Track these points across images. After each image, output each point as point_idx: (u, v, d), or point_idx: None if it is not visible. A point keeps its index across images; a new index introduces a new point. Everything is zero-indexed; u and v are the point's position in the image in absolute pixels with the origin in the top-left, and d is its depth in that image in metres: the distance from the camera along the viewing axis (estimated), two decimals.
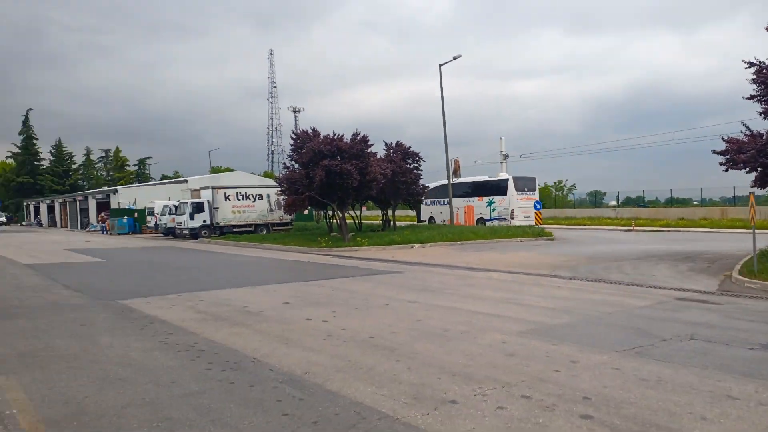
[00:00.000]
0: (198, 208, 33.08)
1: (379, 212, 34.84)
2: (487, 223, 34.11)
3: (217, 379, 5.29)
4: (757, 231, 13.27)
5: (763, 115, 13.56)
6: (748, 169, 13.56)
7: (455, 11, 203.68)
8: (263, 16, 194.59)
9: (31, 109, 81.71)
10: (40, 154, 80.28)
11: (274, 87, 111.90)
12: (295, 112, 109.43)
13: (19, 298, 10.35)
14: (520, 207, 33.83)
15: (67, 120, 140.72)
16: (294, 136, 26.66)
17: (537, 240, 26.33)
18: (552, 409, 4.41)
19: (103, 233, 42.63)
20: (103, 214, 46.73)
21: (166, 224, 35.65)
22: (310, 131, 26.06)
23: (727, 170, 14.16)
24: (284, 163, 29.58)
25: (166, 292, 11.16)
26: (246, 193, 34.56)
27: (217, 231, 32.96)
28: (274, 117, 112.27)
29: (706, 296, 10.16)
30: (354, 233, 27.87)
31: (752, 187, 13.81)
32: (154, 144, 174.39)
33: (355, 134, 25.11)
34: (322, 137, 24.90)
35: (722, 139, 14.31)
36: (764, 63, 13.10)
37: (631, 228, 33.93)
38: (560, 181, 69.05)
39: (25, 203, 73.78)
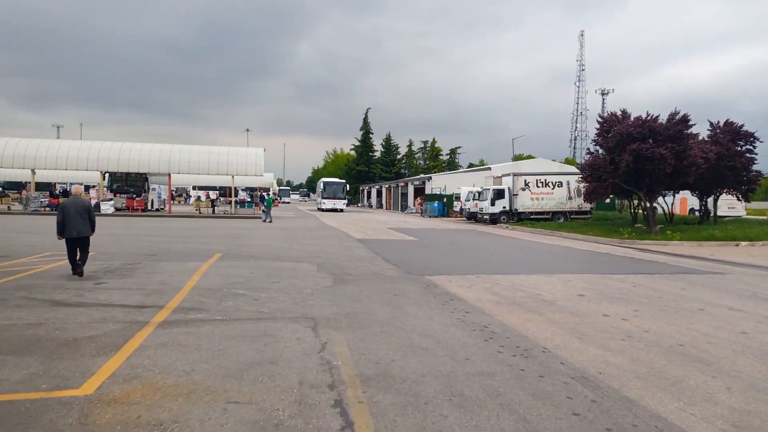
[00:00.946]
0: (498, 194, 34.24)
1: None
2: None
3: (507, 364, 5.42)
4: None
5: None
6: None
7: None
8: None
9: (369, 108, 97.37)
10: (374, 146, 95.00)
11: (583, 70, 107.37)
12: (603, 94, 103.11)
13: (351, 267, 12.52)
14: None
15: (395, 115, 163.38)
16: (600, 120, 25.03)
17: None
18: None
19: (421, 216, 47.86)
20: (418, 198, 52.99)
21: (469, 209, 38.04)
22: (618, 113, 24.11)
23: None
24: (588, 149, 28.01)
25: (465, 272, 11.94)
26: (545, 180, 34.16)
27: (515, 217, 33.61)
28: (580, 101, 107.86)
29: None
30: (663, 225, 24.76)
31: None
32: (464, 134, 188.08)
33: (673, 114, 22.15)
34: (632, 119, 22.75)
35: None
36: None
37: None
38: None
39: (360, 188, 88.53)
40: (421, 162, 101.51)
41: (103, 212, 32.83)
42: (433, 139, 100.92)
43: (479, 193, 36.76)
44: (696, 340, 6.53)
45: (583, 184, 28.57)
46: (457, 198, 43.89)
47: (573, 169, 40.82)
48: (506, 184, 34.83)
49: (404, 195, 63.21)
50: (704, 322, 7.51)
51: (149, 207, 39.21)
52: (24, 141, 35.40)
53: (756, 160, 25.10)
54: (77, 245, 10.01)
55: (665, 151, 20.63)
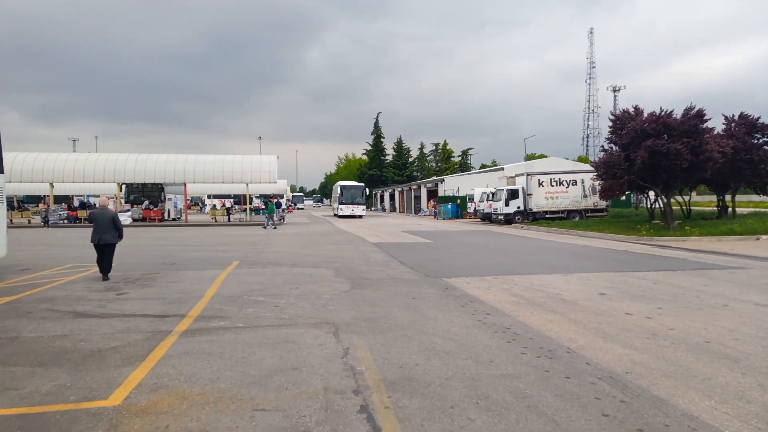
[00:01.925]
0: (512, 194, 34.07)
1: (713, 197, 29.49)
2: None
3: (532, 365, 5.37)
4: None
5: None
6: None
7: None
8: None
9: (380, 113, 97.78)
10: (385, 150, 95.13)
11: (593, 67, 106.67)
12: (614, 91, 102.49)
13: (368, 271, 12.52)
14: None
15: (406, 119, 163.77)
16: (612, 117, 24.79)
17: None
18: None
19: (435, 218, 47.73)
20: (432, 200, 52.80)
21: (483, 210, 37.89)
22: (631, 110, 23.88)
23: None
24: (601, 146, 27.74)
25: (483, 274, 11.88)
26: (559, 178, 33.93)
27: (529, 217, 33.42)
28: (591, 99, 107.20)
29: None
30: (680, 221, 24.43)
31: None
32: (475, 135, 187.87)
33: (688, 109, 21.91)
34: (645, 115, 22.53)
35: None
36: None
37: None
38: None
39: (373, 192, 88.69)
40: (433, 164, 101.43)
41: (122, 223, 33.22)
42: (445, 141, 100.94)
43: (493, 193, 36.61)
44: (722, 336, 6.42)
45: (597, 181, 28.30)
46: (471, 199, 43.76)
47: (587, 167, 40.52)
48: (520, 183, 34.64)
49: (417, 198, 63.15)
50: (729, 318, 7.39)
51: (166, 217, 39.60)
52: (42, 155, 36.01)
53: None
54: (103, 250, 11.25)
55: (681, 147, 20.38)
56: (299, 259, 14.85)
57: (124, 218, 34.85)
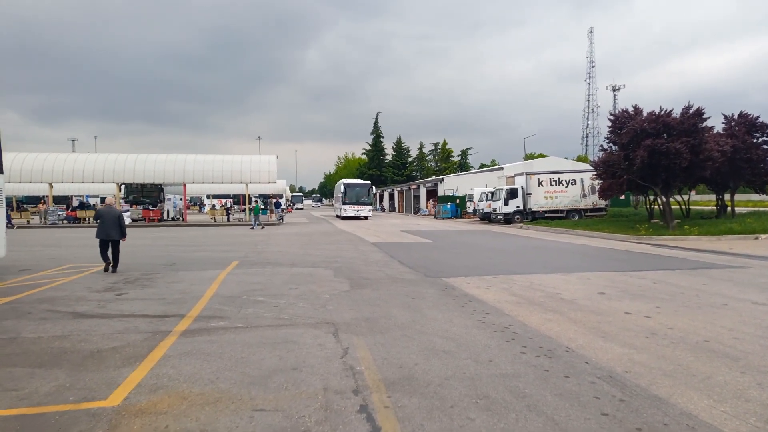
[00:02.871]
0: (512, 194, 34.09)
1: (712, 197, 29.54)
2: None
3: (531, 364, 5.37)
4: None
5: None
6: None
7: None
8: None
9: (379, 113, 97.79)
10: (385, 150, 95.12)
11: (593, 67, 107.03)
12: (614, 90, 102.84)
13: (367, 271, 12.53)
14: None
15: (405, 118, 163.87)
16: (612, 117, 24.82)
17: None
18: None
19: (435, 218, 47.66)
20: (431, 200, 52.73)
21: (483, 210, 37.90)
22: (630, 109, 23.92)
23: None
24: (601, 146, 27.78)
25: (482, 273, 11.88)
26: (558, 178, 33.96)
27: (529, 216, 33.44)
28: (590, 98, 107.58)
29: None
30: (680, 220, 24.48)
31: None
32: (474, 135, 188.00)
33: (687, 107, 21.93)
34: (644, 115, 22.57)
35: None
36: None
37: None
38: None
39: (373, 192, 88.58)
40: (433, 164, 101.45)
41: None
42: (444, 140, 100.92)
43: (492, 193, 36.62)
44: (721, 335, 6.43)
45: (597, 181, 28.34)
46: (470, 199, 43.75)
47: (586, 166, 40.54)
48: (519, 183, 34.65)
49: (417, 197, 63.15)
50: (728, 317, 7.39)
51: (165, 217, 39.60)
52: (41, 156, 36.00)
53: None
54: (108, 246, 12.35)
55: (680, 146, 20.40)
56: (298, 259, 14.85)
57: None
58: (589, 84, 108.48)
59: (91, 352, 5.83)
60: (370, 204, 46.22)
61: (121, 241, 12.54)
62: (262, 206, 43.12)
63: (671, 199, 24.56)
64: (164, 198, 40.98)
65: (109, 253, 12.43)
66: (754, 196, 36.21)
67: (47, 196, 39.69)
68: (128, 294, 9.47)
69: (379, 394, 4.56)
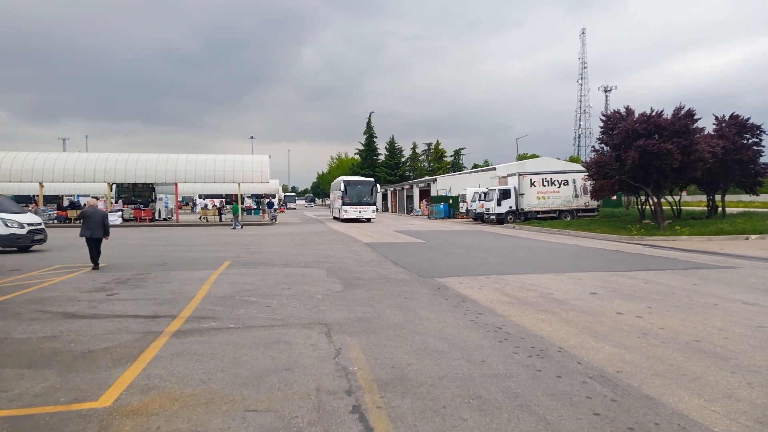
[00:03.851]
0: (504, 194, 34.19)
1: (703, 197, 29.81)
2: None
3: (524, 364, 5.39)
4: None
5: None
6: None
7: None
8: None
9: (372, 112, 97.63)
10: (378, 150, 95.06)
11: (585, 68, 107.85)
12: (606, 91, 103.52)
13: (360, 272, 12.52)
14: None
15: (398, 119, 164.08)
16: (604, 118, 24.97)
17: None
18: None
19: (428, 218, 47.69)
20: (424, 200, 52.76)
21: (475, 210, 37.99)
22: (622, 110, 24.08)
23: None
24: (593, 147, 27.93)
25: (475, 273, 11.91)
26: (551, 178, 34.11)
27: (521, 216, 33.56)
28: (582, 99, 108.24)
29: None
30: (671, 221, 24.67)
31: None
32: (467, 135, 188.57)
33: (678, 108, 22.11)
34: (636, 116, 22.72)
35: None
36: None
37: None
38: None
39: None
40: (426, 164, 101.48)
41: (111, 223, 33.05)
42: (437, 140, 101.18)
43: (485, 193, 36.70)
44: (712, 335, 6.48)
45: (589, 181, 28.49)
46: (463, 199, 43.84)
47: (578, 167, 40.74)
48: (512, 183, 34.77)
49: (410, 197, 63.20)
50: (719, 317, 7.45)
51: (157, 217, 39.38)
52: (31, 155, 35.67)
53: (763, 152, 24.94)
54: (93, 243, 12.89)
55: (672, 147, 20.55)
56: (291, 259, 14.82)
57: (115, 218, 34.65)
58: (581, 85, 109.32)
59: (81, 353, 5.78)
60: (374, 204, 41.37)
61: (104, 239, 13.09)
62: (255, 206, 43.05)
63: (662, 200, 24.72)
64: (156, 198, 40.75)
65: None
66: (745, 197, 36.52)
67: (38, 196, 39.35)
68: (119, 294, 9.41)
69: (371, 394, 4.55)
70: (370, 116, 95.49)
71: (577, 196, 33.90)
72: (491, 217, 34.66)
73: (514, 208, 33.93)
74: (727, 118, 25.39)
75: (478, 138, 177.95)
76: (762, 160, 25.05)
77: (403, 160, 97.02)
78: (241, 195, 42.99)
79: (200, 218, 41.33)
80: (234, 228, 31.43)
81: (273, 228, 31.98)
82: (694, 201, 44.71)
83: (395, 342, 6.24)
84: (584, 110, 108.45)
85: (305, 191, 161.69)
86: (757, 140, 24.79)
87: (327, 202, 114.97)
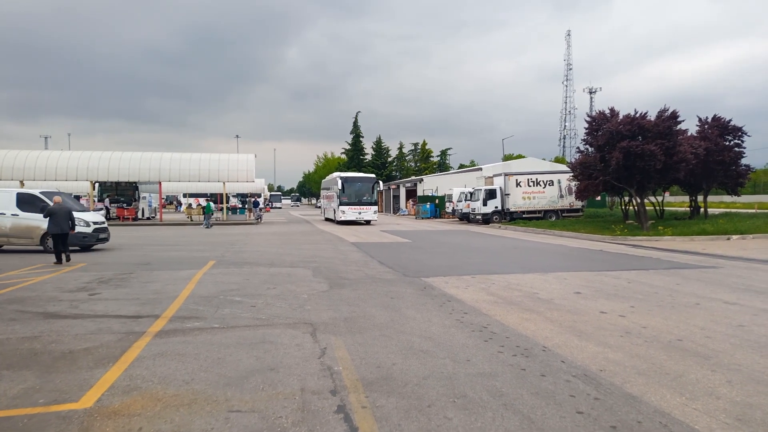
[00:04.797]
0: (490, 194, 34.35)
1: (685, 198, 30.24)
2: None
3: (509, 363, 5.41)
4: None
5: None
6: None
7: None
8: None
9: (359, 112, 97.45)
10: (364, 149, 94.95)
11: (570, 69, 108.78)
12: (590, 93, 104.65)
13: (346, 271, 12.49)
14: None
15: (385, 118, 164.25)
16: (588, 119, 25.20)
17: None
18: None
19: (414, 218, 47.64)
20: (411, 200, 52.77)
21: (461, 210, 38.10)
22: (607, 112, 24.31)
23: None
24: (578, 148, 28.25)
25: (461, 273, 11.95)
26: (536, 179, 34.35)
27: (507, 217, 33.74)
28: (568, 100, 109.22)
29: None
30: (654, 221, 24.97)
31: None
32: (454, 136, 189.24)
33: (662, 110, 22.40)
34: (620, 117, 22.97)
35: None
36: None
37: None
38: None
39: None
40: (412, 164, 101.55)
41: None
42: (424, 141, 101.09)
43: (471, 193, 36.84)
44: (694, 334, 6.57)
45: (574, 182, 28.75)
46: (449, 199, 43.95)
47: (563, 167, 41.06)
48: (498, 184, 34.95)
49: (396, 197, 63.21)
50: (701, 317, 7.56)
51: (140, 216, 38.94)
52: (12, 152, 35.04)
53: (744, 154, 25.35)
54: (61, 239, 13.75)
55: (655, 148, 20.80)
56: (277, 259, 14.74)
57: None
58: (566, 86, 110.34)
59: (62, 353, 5.69)
60: (375, 204, 36.58)
61: (70, 232, 13.91)
62: (240, 205, 42.75)
63: (646, 201, 25.02)
64: (139, 196, 40.27)
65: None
66: (727, 198, 37.11)
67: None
68: (101, 294, 9.28)
69: (356, 394, 4.54)
70: (356, 116, 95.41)
71: (562, 196, 34.19)
72: (477, 217, 34.80)
73: (499, 208, 34.11)
74: (710, 119, 25.78)
75: (464, 138, 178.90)
76: (743, 161, 25.48)
77: (389, 159, 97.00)
78: (226, 194, 42.67)
79: (187, 217, 40.93)
80: (207, 227, 30.94)
81: (258, 227, 31.79)
82: (676, 201, 45.33)
83: (381, 341, 6.23)
84: (569, 111, 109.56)
85: (291, 191, 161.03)
86: (739, 142, 25.19)
87: (314, 201, 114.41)
